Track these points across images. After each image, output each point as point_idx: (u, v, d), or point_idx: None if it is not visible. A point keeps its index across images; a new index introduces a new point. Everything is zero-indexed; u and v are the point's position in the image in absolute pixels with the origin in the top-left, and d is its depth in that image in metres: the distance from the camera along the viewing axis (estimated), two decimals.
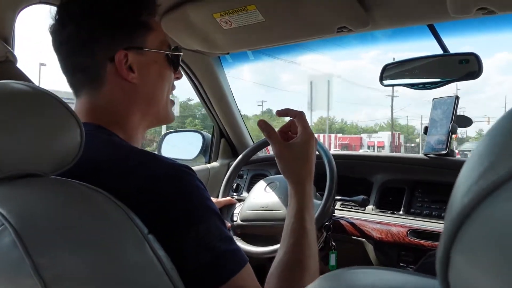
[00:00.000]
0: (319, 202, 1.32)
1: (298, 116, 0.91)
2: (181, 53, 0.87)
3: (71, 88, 0.82)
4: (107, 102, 0.79)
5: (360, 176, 1.57)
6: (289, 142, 0.89)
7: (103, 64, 0.77)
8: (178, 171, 0.68)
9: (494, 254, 0.18)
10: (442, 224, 1.28)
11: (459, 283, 0.20)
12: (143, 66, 0.80)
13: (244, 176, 1.82)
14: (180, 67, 0.89)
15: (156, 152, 1.84)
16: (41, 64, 23.03)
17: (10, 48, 0.97)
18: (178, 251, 0.61)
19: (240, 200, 1.65)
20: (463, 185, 0.22)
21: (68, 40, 0.77)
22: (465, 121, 1.35)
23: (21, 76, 0.96)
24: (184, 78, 1.64)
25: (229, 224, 1.41)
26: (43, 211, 0.52)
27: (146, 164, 0.69)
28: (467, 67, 1.10)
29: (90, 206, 0.56)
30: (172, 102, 0.90)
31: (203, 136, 1.95)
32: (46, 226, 0.50)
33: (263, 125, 0.92)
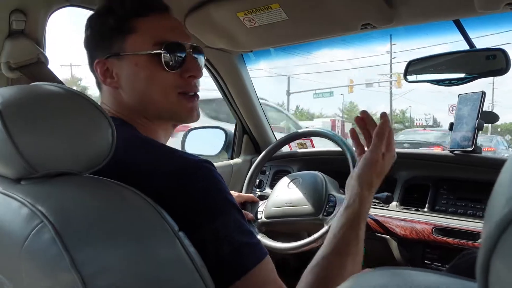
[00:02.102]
0: (343, 196, 1.32)
1: (383, 132, 0.93)
2: (164, 51, 0.80)
3: None
4: (113, 104, 0.85)
5: None
6: (374, 161, 0.92)
7: (93, 70, 0.85)
8: (198, 166, 0.70)
9: None
10: (468, 222, 1.27)
11: None
12: (123, 70, 0.82)
13: (267, 172, 1.83)
14: (195, 65, 0.85)
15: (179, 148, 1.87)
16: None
17: (42, 50, 1.00)
18: (199, 244, 0.63)
19: (262, 196, 1.67)
20: (503, 194, 0.22)
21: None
22: (492, 117, 1.33)
23: (51, 77, 0.99)
24: (207, 74, 1.66)
25: (251, 215, 1.42)
26: (79, 208, 0.54)
27: (168, 159, 0.71)
28: (494, 63, 1.09)
29: (123, 203, 0.58)
30: (187, 100, 0.85)
31: (226, 133, 1.96)
32: (83, 223, 0.52)
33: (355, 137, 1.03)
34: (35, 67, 0.96)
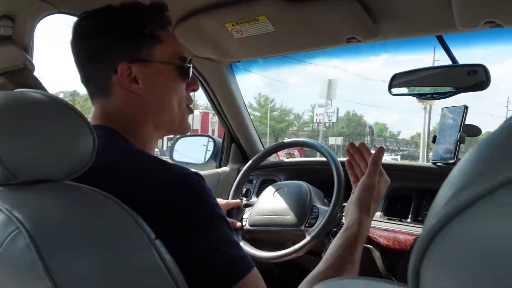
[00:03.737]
0: (326, 208, 1.34)
1: (379, 159, 1.02)
2: (190, 65, 0.88)
3: (89, 95, 0.88)
4: (118, 111, 0.83)
5: None
6: (372, 185, 1.00)
7: (108, 76, 0.82)
8: (189, 178, 0.71)
9: (458, 272, 0.20)
10: None
11: None
12: (148, 77, 0.83)
13: (254, 181, 1.84)
14: (196, 79, 0.92)
15: (168, 157, 1.88)
16: None
17: (29, 57, 1.01)
18: (188, 256, 0.64)
19: (249, 205, 1.68)
20: (436, 205, 0.24)
21: (80, 52, 0.83)
22: (474, 130, 1.36)
23: (37, 84, 0.99)
24: None
25: (239, 224, 1.43)
26: (56, 216, 0.55)
27: (158, 172, 0.72)
28: (475, 78, 1.11)
29: (100, 211, 0.58)
30: (189, 111, 0.92)
31: (214, 141, 1.97)
32: (58, 230, 0.53)
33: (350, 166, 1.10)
34: (21, 74, 0.97)
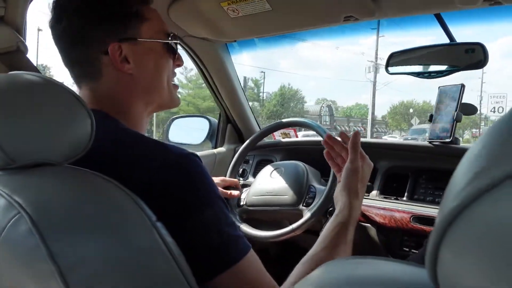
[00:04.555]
0: (323, 187, 1.35)
1: (357, 143, 1.04)
2: (178, 41, 0.89)
3: (73, 80, 0.85)
4: (108, 93, 0.82)
5: None
6: (356, 169, 1.03)
7: (97, 57, 0.80)
8: (185, 158, 0.71)
9: (477, 254, 0.20)
10: None
11: (446, 277, 0.23)
12: (139, 56, 0.82)
13: (250, 162, 1.85)
14: (180, 55, 0.91)
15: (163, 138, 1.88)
16: (39, 30, 22.79)
17: (22, 38, 0.99)
18: (187, 235, 0.64)
19: (245, 185, 1.68)
20: (455, 187, 0.24)
21: (63, 34, 0.80)
22: (470, 109, 1.36)
23: (30, 66, 0.98)
24: (191, 64, 1.66)
25: (237, 192, 1.47)
26: (56, 199, 0.55)
27: (155, 153, 0.71)
28: (473, 56, 1.11)
29: (100, 194, 0.58)
30: (176, 87, 0.92)
31: (210, 122, 1.97)
32: (60, 214, 0.52)
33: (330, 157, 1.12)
34: (14, 55, 0.95)
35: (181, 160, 0.70)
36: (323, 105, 43.33)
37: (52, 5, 0.80)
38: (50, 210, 0.52)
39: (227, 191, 1.44)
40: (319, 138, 1.45)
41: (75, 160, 0.63)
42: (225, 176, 1.60)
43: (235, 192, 1.44)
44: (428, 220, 1.28)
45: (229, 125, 1.93)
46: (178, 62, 0.91)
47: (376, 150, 1.59)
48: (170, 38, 0.86)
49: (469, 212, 0.21)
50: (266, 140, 1.84)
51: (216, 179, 1.42)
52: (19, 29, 0.99)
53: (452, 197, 0.23)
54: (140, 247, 0.55)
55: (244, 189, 1.52)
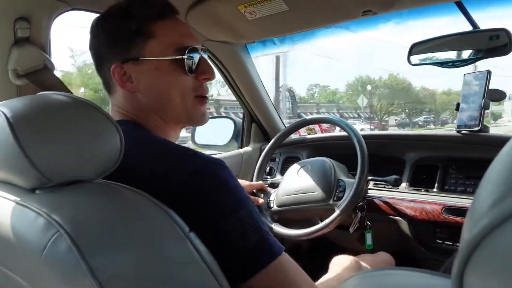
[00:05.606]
0: (352, 180, 1.34)
1: None
2: (192, 55, 0.84)
3: None
4: (128, 106, 0.86)
5: (392, 155, 1.57)
6: None
7: (109, 77, 0.85)
8: (214, 164, 0.72)
9: (502, 279, 0.21)
10: None
11: None
12: (142, 75, 0.83)
13: (277, 159, 1.85)
14: (208, 68, 0.88)
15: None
16: None
17: (47, 56, 1.02)
18: (221, 239, 0.66)
19: (273, 183, 1.69)
20: (477, 211, 0.24)
21: (91, 53, 0.88)
22: (498, 95, 1.33)
23: (57, 83, 1.00)
24: None
25: (261, 200, 1.47)
26: (92, 216, 0.57)
27: (184, 161, 0.73)
28: (498, 42, 1.08)
29: (132, 208, 0.60)
30: (200, 102, 0.88)
31: (235, 122, 1.98)
32: (96, 230, 0.54)
33: None
34: (42, 74, 0.98)
35: (210, 166, 0.72)
36: (281, 89, 36.70)
37: None
38: (87, 226, 0.54)
39: (253, 197, 1.45)
40: (344, 133, 1.45)
41: (106, 175, 0.65)
42: (252, 174, 1.62)
43: (260, 200, 1.45)
44: (460, 211, 1.26)
45: (254, 124, 1.94)
46: (206, 75, 0.87)
47: (403, 142, 1.58)
48: (187, 52, 0.83)
49: (491, 238, 0.21)
50: (292, 137, 1.85)
51: (243, 184, 1.44)
52: (44, 47, 1.02)
53: (473, 223, 0.23)
54: (174, 259, 0.57)
55: (273, 190, 1.53)
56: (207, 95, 0.90)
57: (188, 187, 0.69)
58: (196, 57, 0.85)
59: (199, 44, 0.87)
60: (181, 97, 0.85)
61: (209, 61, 0.90)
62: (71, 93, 0.96)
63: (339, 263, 1.05)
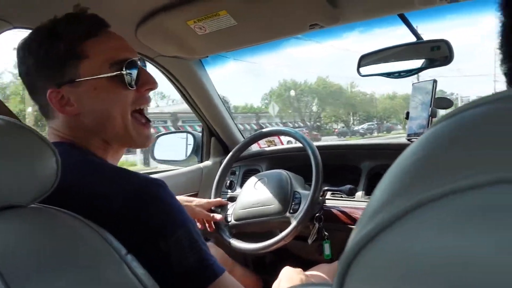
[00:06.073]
0: (307, 192, 1.35)
1: None
2: (123, 72, 0.81)
3: None
4: (67, 130, 0.82)
5: (349, 164, 1.59)
6: None
7: (46, 102, 0.80)
8: (155, 186, 0.71)
9: (383, 284, 0.21)
10: None
11: None
12: (81, 96, 0.79)
13: (237, 173, 1.85)
14: (148, 76, 0.85)
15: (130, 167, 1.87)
16: None
17: None
18: (163, 260, 0.66)
19: (233, 198, 1.68)
20: (363, 217, 0.24)
21: (21, 77, 0.82)
22: (445, 103, 1.37)
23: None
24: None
25: (220, 216, 1.44)
26: (21, 242, 0.54)
27: (119, 184, 0.72)
28: (439, 53, 1.12)
29: (67, 232, 0.58)
30: (146, 126, 0.86)
31: (194, 136, 1.97)
32: (23, 257, 0.52)
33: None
34: None
35: (148, 186, 0.71)
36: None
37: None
38: (13, 254, 0.52)
39: (211, 214, 1.44)
40: (300, 145, 1.46)
41: (42, 199, 0.63)
42: (211, 190, 1.61)
43: (217, 216, 1.43)
44: None
45: (213, 138, 1.93)
46: (147, 86, 0.85)
47: (359, 152, 1.60)
48: (125, 66, 0.80)
49: (372, 244, 0.22)
50: (252, 149, 1.85)
51: (202, 201, 1.43)
52: None
53: (359, 228, 0.23)
54: (111, 283, 0.55)
55: (231, 204, 1.52)
56: (150, 120, 0.88)
57: (126, 208, 0.67)
58: (134, 69, 0.82)
59: (135, 55, 0.84)
60: (122, 115, 0.82)
61: (163, 76, 0.90)
62: (13, 114, 0.93)
63: (285, 277, 1.06)
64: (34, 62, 0.79)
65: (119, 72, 0.80)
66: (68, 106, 0.79)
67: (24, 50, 0.80)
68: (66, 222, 0.59)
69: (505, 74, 0.29)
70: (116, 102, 0.81)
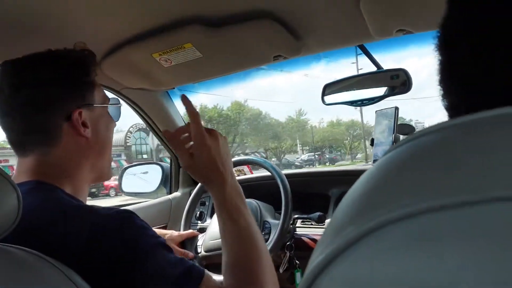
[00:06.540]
0: (277, 222, 1.35)
1: (192, 120, 0.83)
2: (121, 104, 0.93)
3: (19, 148, 0.82)
4: (59, 159, 0.81)
5: (318, 191, 1.61)
6: (193, 154, 0.84)
7: (60, 124, 0.81)
8: (117, 218, 0.70)
9: None
10: None
11: None
12: (94, 120, 0.86)
13: (207, 203, 1.83)
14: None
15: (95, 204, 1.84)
16: None
17: None
18: (148, 283, 0.66)
19: (202, 229, 1.67)
20: (319, 246, 0.25)
21: (24, 104, 0.79)
22: (407, 129, 1.42)
23: None
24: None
25: (191, 254, 1.42)
26: None
27: (85, 220, 0.70)
28: (398, 81, 1.16)
29: (29, 273, 0.56)
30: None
31: (162, 167, 1.95)
32: None
33: (168, 135, 0.88)
34: None
35: (115, 219, 0.70)
36: (131, 129, 27.62)
37: (6, 75, 0.81)
38: None
39: (182, 250, 1.42)
40: (269, 173, 1.47)
41: (3, 237, 0.61)
42: (181, 222, 1.58)
43: (190, 254, 1.41)
44: None
45: (181, 169, 1.92)
46: (116, 119, 0.95)
47: (327, 178, 1.63)
48: (117, 102, 0.92)
49: (327, 272, 0.22)
50: None
51: (173, 234, 1.41)
52: None
53: (314, 256, 0.24)
54: None
55: (201, 235, 1.50)
56: None
57: (89, 245, 0.66)
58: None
59: None
60: (110, 146, 0.93)
61: (130, 108, 0.94)
62: None
63: None
64: (61, 83, 0.82)
65: (120, 104, 0.92)
66: (85, 128, 0.84)
67: (42, 70, 0.80)
68: (27, 261, 0.57)
69: (446, 108, 0.31)
70: (111, 131, 0.92)
